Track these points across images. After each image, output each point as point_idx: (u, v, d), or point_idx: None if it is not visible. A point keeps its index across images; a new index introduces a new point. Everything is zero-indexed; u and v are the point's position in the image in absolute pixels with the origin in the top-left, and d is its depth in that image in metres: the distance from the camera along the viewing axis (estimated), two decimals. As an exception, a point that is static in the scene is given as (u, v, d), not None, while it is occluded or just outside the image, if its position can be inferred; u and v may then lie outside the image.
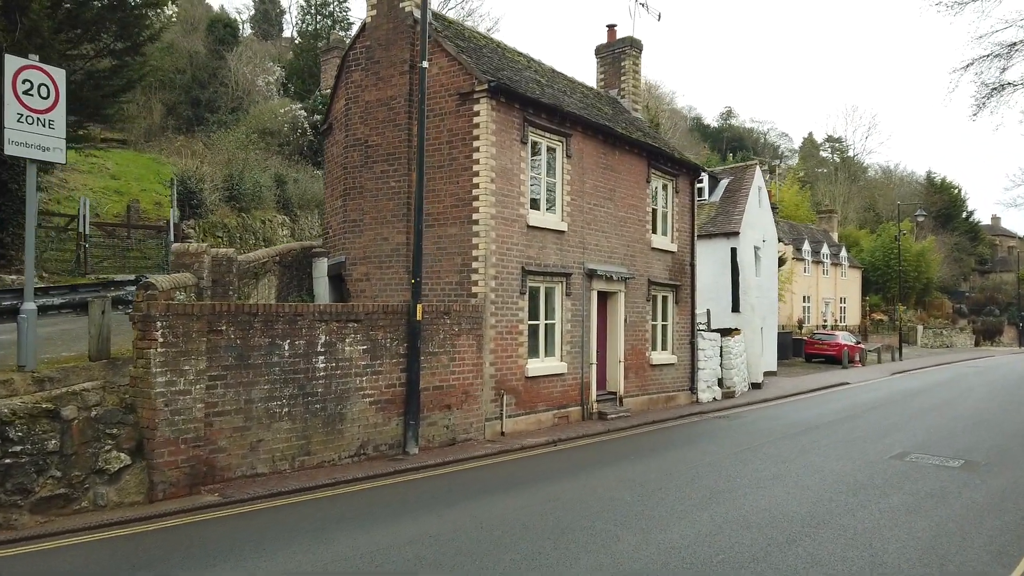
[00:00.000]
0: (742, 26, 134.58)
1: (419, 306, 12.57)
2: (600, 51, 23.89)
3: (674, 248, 20.76)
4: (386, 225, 15.84)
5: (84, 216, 19.46)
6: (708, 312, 24.95)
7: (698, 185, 30.02)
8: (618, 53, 23.39)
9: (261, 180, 28.10)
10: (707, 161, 61.34)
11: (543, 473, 11.76)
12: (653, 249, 19.85)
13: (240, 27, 53.87)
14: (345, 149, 16.72)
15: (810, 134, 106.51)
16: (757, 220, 29.96)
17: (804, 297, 57.84)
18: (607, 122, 18.32)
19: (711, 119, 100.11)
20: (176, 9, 22.48)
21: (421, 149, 13.20)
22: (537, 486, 10.74)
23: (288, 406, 10.77)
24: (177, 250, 11.97)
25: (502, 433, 14.59)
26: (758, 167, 31.11)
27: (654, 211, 20.25)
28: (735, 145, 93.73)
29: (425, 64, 13.13)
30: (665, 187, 20.76)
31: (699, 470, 11.75)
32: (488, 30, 68.69)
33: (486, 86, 14.36)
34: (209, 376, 9.83)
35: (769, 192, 35.69)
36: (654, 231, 20.16)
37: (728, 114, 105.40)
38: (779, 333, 44.08)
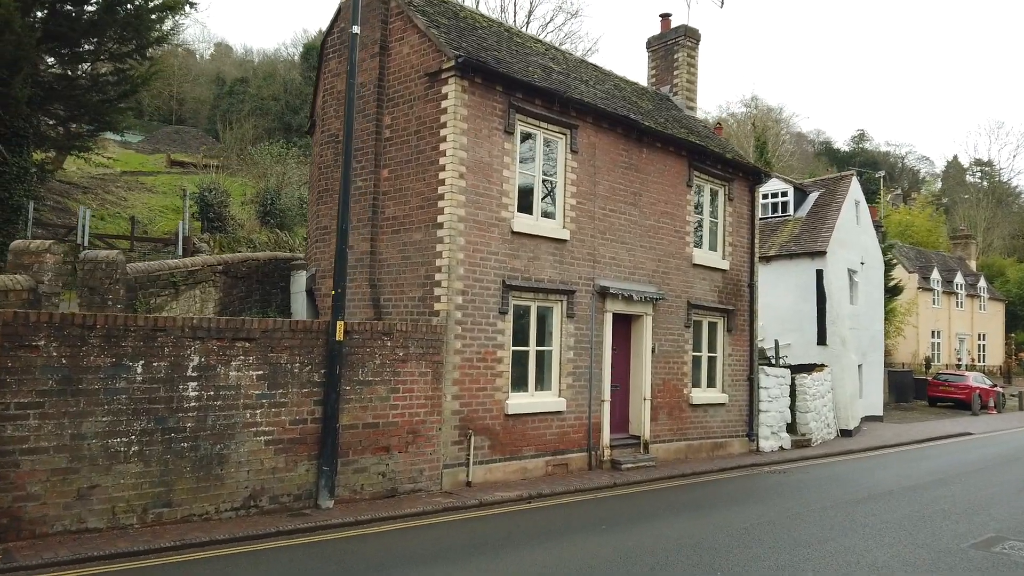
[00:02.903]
0: (876, 44, 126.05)
1: (340, 324, 10.17)
2: (651, 44, 21.03)
3: (725, 266, 17.43)
4: (352, 231, 13.59)
5: (84, 227, 18.50)
6: (776, 343, 21.22)
7: (782, 199, 26.40)
8: (671, 44, 20.46)
9: (306, 197, 26.87)
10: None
11: (485, 541, 8.98)
12: (695, 266, 16.64)
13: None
14: (320, 147, 14.74)
15: (955, 157, 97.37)
16: (853, 239, 25.82)
17: (932, 332, 51.39)
18: (633, 114, 15.45)
19: (841, 142, 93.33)
20: (189, 13, 21.59)
21: (349, 126, 10.90)
22: (460, 563, 7.99)
23: (139, 444, 8.59)
24: (15, 248, 10.20)
25: (468, 483, 11.89)
26: (855, 178, 26.97)
27: (699, 221, 17.06)
28: (871, 169, 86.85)
29: (356, 29, 10.86)
30: (715, 193, 17.53)
31: (679, 553, 8.62)
32: (586, 51, 66.64)
33: (453, 62, 11.95)
34: (16, 404, 7.79)
35: (873, 208, 31.20)
36: (698, 245, 16.95)
37: (860, 137, 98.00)
38: (896, 372, 38.93)
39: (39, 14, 17.53)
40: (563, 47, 45.47)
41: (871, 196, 75.18)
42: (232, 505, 9.29)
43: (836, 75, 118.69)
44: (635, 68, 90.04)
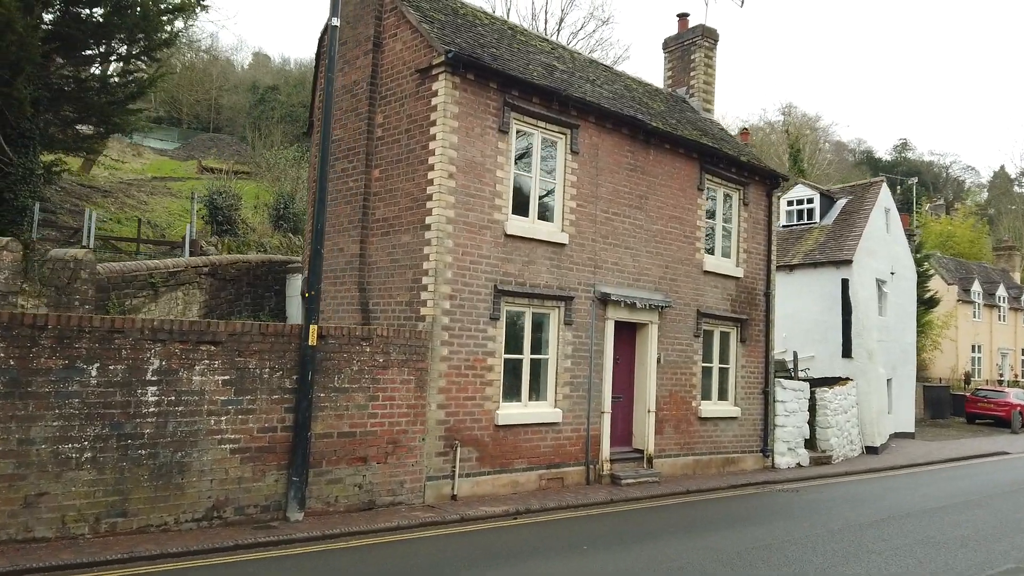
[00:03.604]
0: (920, 51, 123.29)
1: (313, 328, 9.74)
2: (668, 44, 20.39)
3: (739, 273, 16.68)
4: (342, 233, 13.24)
5: (89, 229, 18.43)
6: (795, 354, 20.32)
7: (808, 206, 25.51)
8: (688, 45, 19.80)
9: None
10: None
11: (453, 561, 8.44)
12: (707, 273, 15.92)
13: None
14: (316, 148, 14.39)
15: (1001, 167, 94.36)
16: (882, 248, 24.80)
17: (973, 346, 49.54)
18: (641, 115, 14.85)
19: (883, 152, 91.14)
20: (198, 16, 21.44)
21: (327, 117, 10.49)
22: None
23: (93, 450, 8.23)
24: (-29, 244, 10.05)
25: (453, 497, 11.35)
26: (884, 184, 25.94)
27: (712, 227, 16.35)
28: (902, 176, 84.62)
29: (335, 21, 10.46)
30: (728, 197, 16.81)
31: (660, 577, 7.98)
32: (617, 58, 66.03)
33: (443, 57, 11.50)
34: (-42, 406, 7.48)
35: (904, 216, 30.03)
36: (710, 251, 16.24)
37: (903, 146, 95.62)
38: (932, 387, 37.56)
39: (47, 16, 17.49)
40: (593, 54, 44.88)
41: (908, 206, 73.29)
42: (194, 516, 8.87)
43: (878, 83, 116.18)
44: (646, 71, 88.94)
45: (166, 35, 18.78)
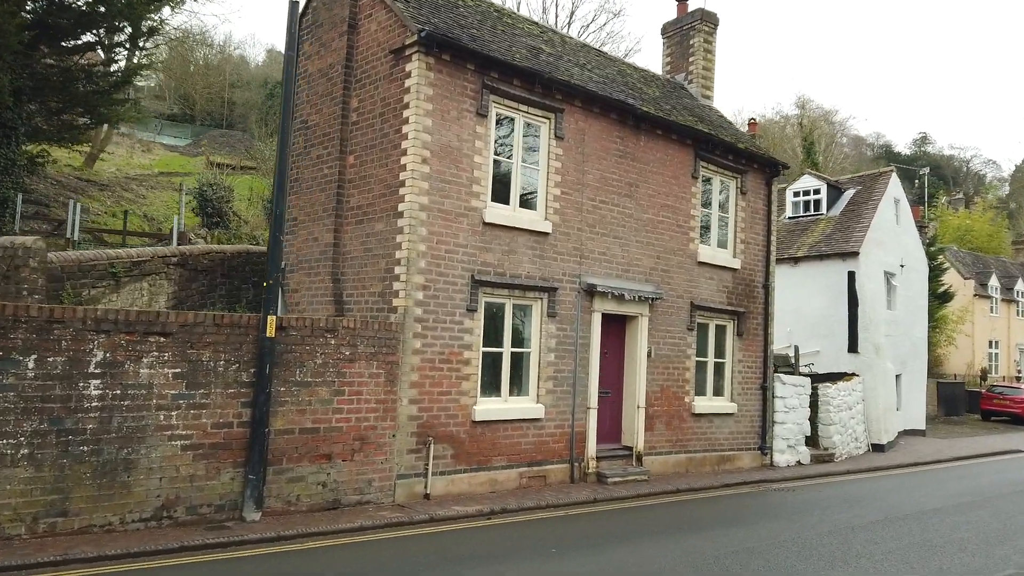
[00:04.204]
0: (940, 44, 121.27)
1: (271, 318, 9.28)
2: (667, 29, 19.77)
3: (736, 264, 16.07)
4: (317, 222, 12.79)
5: (74, 221, 18.11)
6: (796, 349, 19.65)
7: (815, 197, 24.81)
8: (686, 30, 19.17)
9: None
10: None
11: (408, 565, 7.96)
12: (701, 264, 15.33)
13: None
14: (294, 134, 13.95)
15: (1023, 160, 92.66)
16: (891, 239, 24.05)
17: (990, 342, 48.48)
18: (632, 99, 14.27)
19: (902, 146, 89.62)
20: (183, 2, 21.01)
21: (288, 97, 10.01)
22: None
23: (30, 447, 7.82)
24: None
25: (426, 496, 10.87)
26: (894, 174, 25.16)
27: (707, 216, 15.76)
28: (932, 175, 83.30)
29: (296, -3, 9.99)
30: (725, 186, 16.19)
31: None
32: (628, 50, 65.21)
33: (416, 37, 10.99)
34: None
35: (915, 208, 29.22)
36: (705, 241, 15.65)
37: (923, 140, 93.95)
38: (946, 383, 36.71)
39: (29, 4, 17.14)
40: (604, 47, 44.10)
41: (927, 199, 71.93)
42: (141, 516, 8.45)
43: (898, 78, 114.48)
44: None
45: (151, 23, 18.41)
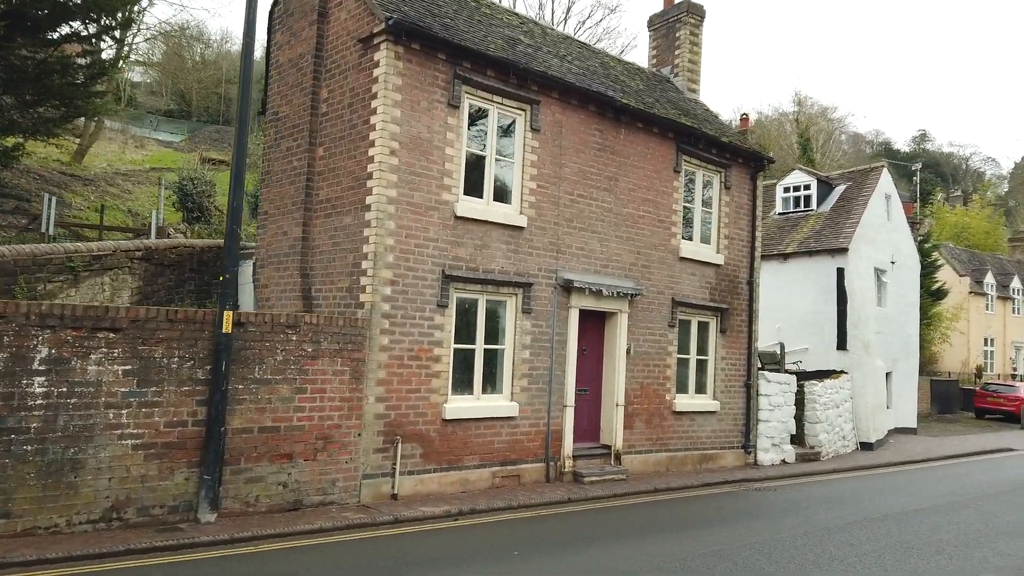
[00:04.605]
0: (939, 42, 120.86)
1: (228, 314, 9.00)
2: (653, 22, 19.48)
3: (720, 260, 15.79)
4: (286, 216, 12.51)
5: (49, 215, 17.81)
6: (782, 346, 19.39)
7: (805, 193, 24.52)
8: (672, 22, 18.87)
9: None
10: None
11: (359, 568, 7.70)
12: (683, 260, 15.05)
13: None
14: (265, 127, 13.68)
15: (1023, 158, 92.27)
16: (882, 236, 23.78)
17: (985, 340, 48.17)
18: (612, 91, 13.98)
19: (902, 143, 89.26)
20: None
21: (245, 84, 9.71)
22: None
23: (-30, 446, 7.54)
24: None
25: (393, 496, 10.60)
26: (885, 170, 24.87)
27: (690, 211, 15.48)
28: (931, 172, 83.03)
29: (255, -17, 9.68)
30: (708, 180, 15.90)
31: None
32: (625, 47, 64.79)
33: (383, 25, 10.70)
34: None
35: (908, 204, 28.93)
36: (688, 237, 15.37)
37: (922, 138, 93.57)
38: (940, 381, 36.46)
39: (3, -5, 16.79)
40: (600, 43, 43.69)
41: (924, 196, 71.58)
42: (89, 517, 8.18)
43: (897, 75, 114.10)
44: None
45: (126, 15, 18.10)
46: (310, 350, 9.87)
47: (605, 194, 13.70)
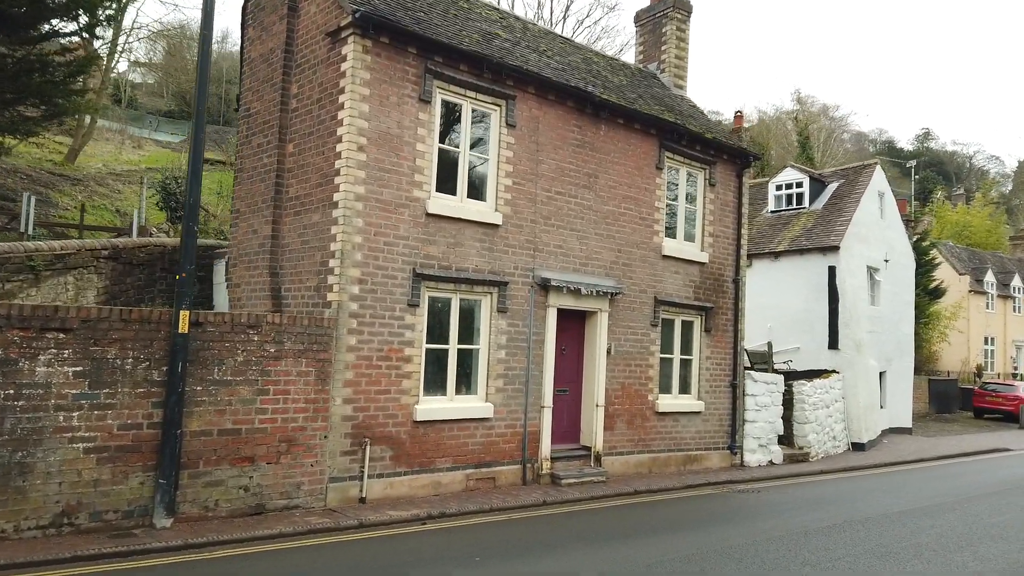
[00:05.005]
0: (943, 40, 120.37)
1: (184, 313, 8.77)
2: (640, 17, 19.23)
3: (704, 258, 15.53)
4: (256, 214, 12.29)
5: (28, 214, 17.61)
6: (769, 345, 19.12)
7: (797, 191, 24.25)
8: (659, 17, 18.62)
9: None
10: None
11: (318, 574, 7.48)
12: (666, 258, 14.79)
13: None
14: (238, 123, 13.47)
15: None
16: (875, 234, 23.50)
17: (986, 339, 47.78)
18: (592, 87, 13.73)
19: (905, 142, 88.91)
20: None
21: (203, 75, 9.49)
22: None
23: (-89, 449, 7.32)
24: None
25: (362, 500, 10.36)
26: (879, 167, 24.58)
27: (673, 208, 15.22)
28: (935, 171, 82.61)
29: (213, -26, 9.45)
30: (692, 177, 15.65)
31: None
32: (624, 45, 64.43)
33: (350, 18, 10.47)
34: None
35: (902, 201, 28.64)
36: (671, 235, 15.11)
37: (925, 136, 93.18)
38: (938, 380, 36.15)
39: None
40: (599, 42, 43.33)
41: (926, 195, 71.06)
42: (39, 523, 7.95)
43: (901, 73, 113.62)
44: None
45: (109, 11, 17.89)
46: (273, 350, 9.64)
47: (584, 191, 13.46)
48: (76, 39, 19.28)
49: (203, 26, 9.38)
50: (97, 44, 21.21)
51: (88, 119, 32.87)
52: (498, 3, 34.94)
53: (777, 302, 22.30)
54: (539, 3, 61.45)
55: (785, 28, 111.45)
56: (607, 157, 13.85)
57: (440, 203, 11.43)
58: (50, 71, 17.84)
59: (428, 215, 11.28)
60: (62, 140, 34.70)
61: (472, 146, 12.06)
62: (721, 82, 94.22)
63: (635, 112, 14.08)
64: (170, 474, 8.61)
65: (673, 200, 15.22)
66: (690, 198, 15.61)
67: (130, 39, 37.45)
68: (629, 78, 16.50)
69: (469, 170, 12.01)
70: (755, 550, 8.94)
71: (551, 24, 39.85)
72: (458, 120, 11.94)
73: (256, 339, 9.51)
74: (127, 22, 33.63)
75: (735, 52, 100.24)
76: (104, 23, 18.51)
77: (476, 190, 12.11)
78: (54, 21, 17.95)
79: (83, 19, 18.07)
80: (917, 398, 32.99)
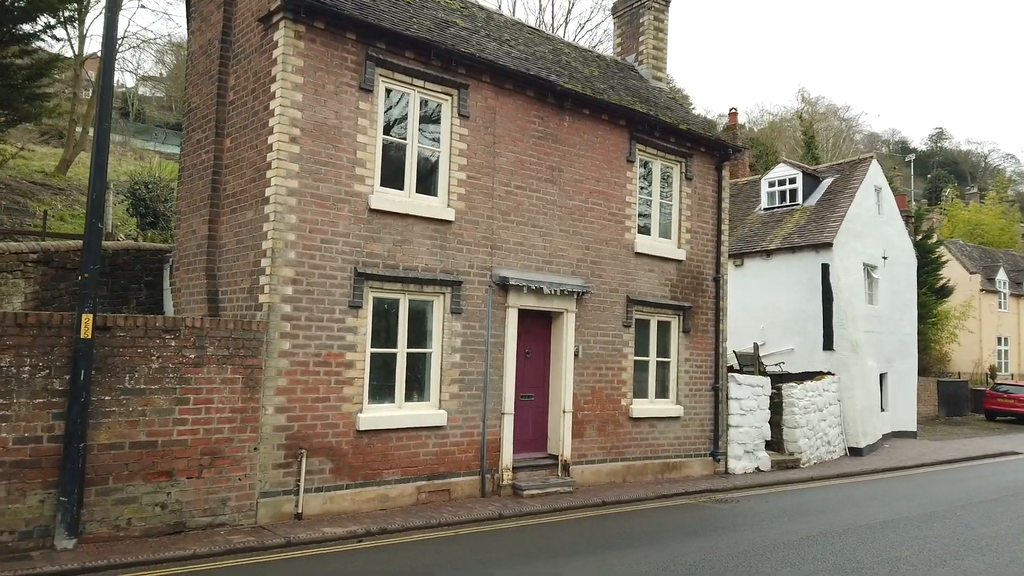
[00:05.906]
0: (956, 39, 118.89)
1: (87, 317, 8.11)
2: (617, 8, 18.54)
3: (681, 256, 14.76)
4: (195, 213, 11.66)
5: (-11, 223, 17.19)
6: (755, 346, 18.29)
7: (790, 187, 23.42)
8: (636, 7, 17.91)
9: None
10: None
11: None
12: (639, 255, 14.04)
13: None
14: (183, 121, 12.87)
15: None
16: (871, 230, 22.61)
17: (999, 339, 46.52)
18: (554, 76, 13.04)
19: (918, 142, 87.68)
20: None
21: (107, 64, 8.85)
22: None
23: None
24: None
25: (298, 516, 9.65)
26: (875, 161, 23.68)
27: (646, 203, 14.48)
28: (949, 171, 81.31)
29: (118, -47, 8.85)
30: (667, 171, 14.91)
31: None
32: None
33: (279, 1, 9.83)
34: None
35: (901, 197, 27.70)
36: (644, 231, 14.36)
37: (939, 136, 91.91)
38: (948, 382, 35.03)
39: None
40: (600, 45, 42.50)
41: (937, 193, 69.79)
42: (-79, 546, 7.30)
43: (914, 73, 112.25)
44: (677, 65, 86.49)
45: (70, 12, 17.44)
46: (192, 356, 8.96)
47: (547, 185, 12.75)
48: (39, 43, 18.85)
49: (108, 9, 8.74)
50: (59, 46, 20.70)
51: (79, 129, 32.58)
52: (499, 7, 34.40)
53: (770, 302, 21.48)
54: (540, 7, 61.00)
55: (796, 30, 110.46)
56: (572, 150, 13.13)
57: (385, 198, 10.75)
58: (11, 73, 17.37)
59: (371, 211, 10.59)
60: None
61: (422, 138, 11.39)
62: (731, 86, 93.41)
63: (602, 102, 13.36)
64: (72, 491, 7.94)
65: (647, 195, 14.48)
66: (666, 193, 14.87)
67: (121, 47, 37.19)
68: (602, 69, 15.79)
69: (418, 163, 11.34)
70: (713, 567, 8.15)
71: (552, 28, 39.16)
72: (405, 110, 11.27)
73: (174, 344, 8.84)
74: (119, 32, 33.49)
75: (747, 56, 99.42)
76: (64, 23, 18.01)
77: (426, 184, 11.42)
78: (12, 25, 17.50)
79: (42, 21, 17.62)
80: (925, 401, 31.93)
